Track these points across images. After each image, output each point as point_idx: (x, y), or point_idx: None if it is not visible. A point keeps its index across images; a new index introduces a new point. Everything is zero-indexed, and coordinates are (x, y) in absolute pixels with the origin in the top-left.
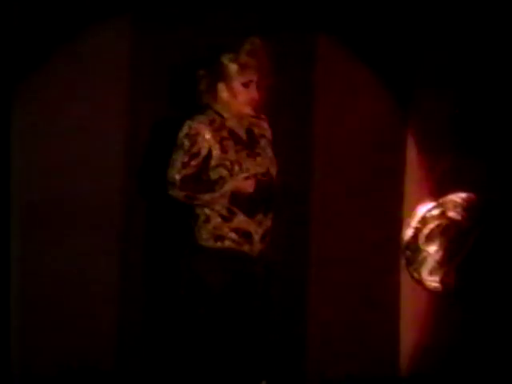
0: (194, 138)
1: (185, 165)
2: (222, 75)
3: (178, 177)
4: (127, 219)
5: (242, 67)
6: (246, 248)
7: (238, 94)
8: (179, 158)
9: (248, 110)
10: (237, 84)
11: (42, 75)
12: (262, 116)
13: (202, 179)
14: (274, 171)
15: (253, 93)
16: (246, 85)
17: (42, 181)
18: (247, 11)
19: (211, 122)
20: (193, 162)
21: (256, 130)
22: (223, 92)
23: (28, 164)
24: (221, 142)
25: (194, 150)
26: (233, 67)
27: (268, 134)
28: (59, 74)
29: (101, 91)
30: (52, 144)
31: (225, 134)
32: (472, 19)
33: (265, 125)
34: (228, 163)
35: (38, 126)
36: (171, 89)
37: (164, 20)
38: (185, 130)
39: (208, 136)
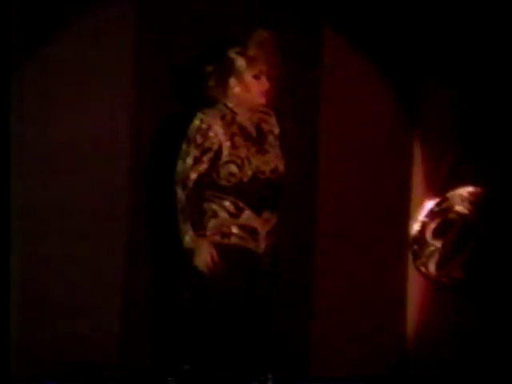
0: (206, 132)
1: (197, 160)
2: (231, 70)
3: (193, 176)
4: (132, 216)
5: (251, 60)
6: (251, 245)
7: (250, 87)
8: (191, 153)
9: (262, 102)
10: (248, 77)
11: (41, 66)
12: (271, 112)
13: (211, 181)
14: (282, 168)
15: (265, 84)
16: (256, 77)
17: (43, 181)
18: (252, 4)
19: (222, 117)
20: (205, 158)
21: (265, 126)
22: (235, 87)
23: (28, 164)
24: (231, 137)
25: (206, 144)
26: (241, 61)
27: (276, 130)
28: (59, 66)
29: (104, 87)
30: (53, 140)
31: (235, 129)
32: (477, 18)
33: (273, 121)
34: (239, 160)
35: (38, 120)
36: (177, 85)
37: (168, 14)
38: (197, 123)
39: (219, 131)
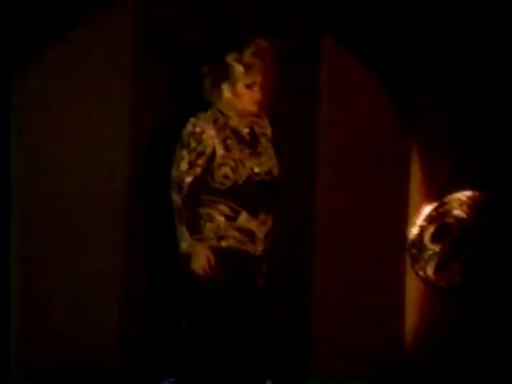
0: (199, 136)
1: (191, 164)
2: (226, 75)
3: (188, 180)
4: (130, 217)
5: (247, 68)
6: (249, 247)
7: (241, 95)
8: (186, 157)
9: (253, 109)
10: (240, 85)
11: (42, 67)
12: (263, 115)
13: (206, 185)
14: (275, 170)
15: (256, 94)
16: (249, 86)
17: (43, 180)
18: (252, 9)
19: (215, 121)
20: (199, 161)
21: (257, 129)
22: (227, 92)
23: (28, 162)
24: (224, 140)
25: (200, 148)
26: (237, 68)
27: (269, 132)
28: (58, 68)
29: (103, 88)
30: (53, 142)
31: (228, 132)
32: (475, 24)
33: (266, 123)
34: (232, 162)
35: (38, 122)
36: (174, 85)
37: (168, 16)
38: (189, 127)
39: (212, 134)
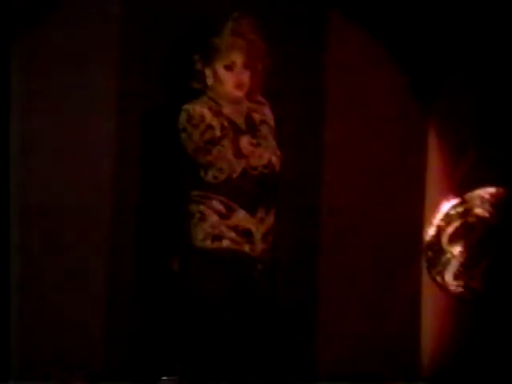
0: (199, 117)
1: (203, 133)
2: (207, 59)
3: (207, 136)
4: (116, 219)
5: (224, 48)
6: (246, 248)
7: (222, 79)
8: (195, 132)
9: (237, 95)
10: (219, 67)
11: (25, 59)
12: (263, 100)
13: (196, 179)
14: (276, 162)
15: (238, 76)
16: (229, 67)
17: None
18: None
19: (209, 108)
20: (207, 135)
21: (256, 117)
22: (209, 78)
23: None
24: (221, 129)
25: (204, 125)
26: (215, 48)
27: (270, 119)
28: (44, 58)
29: (89, 82)
30: (38, 131)
31: (223, 121)
32: (496, 14)
33: (266, 110)
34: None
35: (21, 116)
36: (164, 74)
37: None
38: (185, 115)
39: (210, 118)
